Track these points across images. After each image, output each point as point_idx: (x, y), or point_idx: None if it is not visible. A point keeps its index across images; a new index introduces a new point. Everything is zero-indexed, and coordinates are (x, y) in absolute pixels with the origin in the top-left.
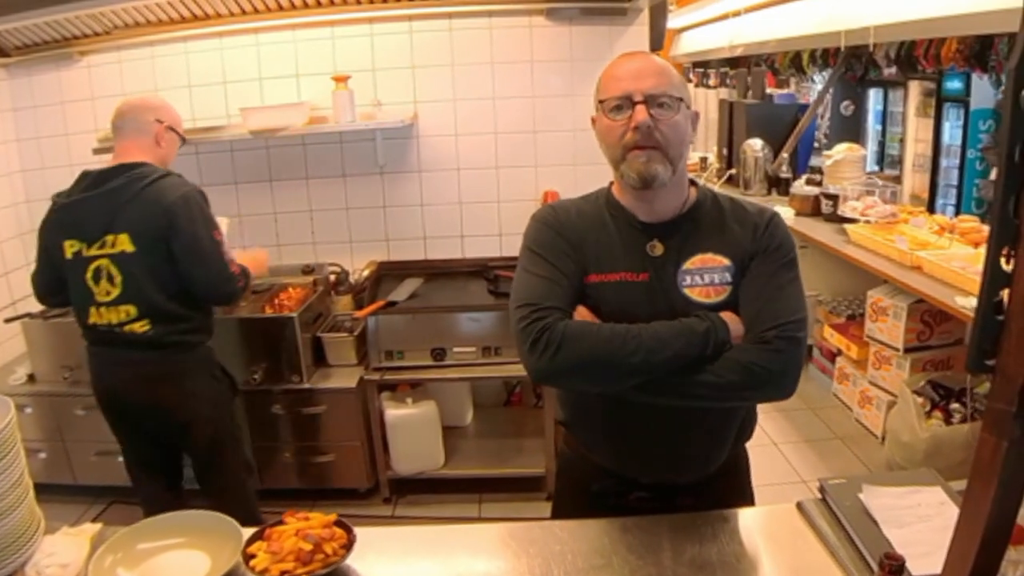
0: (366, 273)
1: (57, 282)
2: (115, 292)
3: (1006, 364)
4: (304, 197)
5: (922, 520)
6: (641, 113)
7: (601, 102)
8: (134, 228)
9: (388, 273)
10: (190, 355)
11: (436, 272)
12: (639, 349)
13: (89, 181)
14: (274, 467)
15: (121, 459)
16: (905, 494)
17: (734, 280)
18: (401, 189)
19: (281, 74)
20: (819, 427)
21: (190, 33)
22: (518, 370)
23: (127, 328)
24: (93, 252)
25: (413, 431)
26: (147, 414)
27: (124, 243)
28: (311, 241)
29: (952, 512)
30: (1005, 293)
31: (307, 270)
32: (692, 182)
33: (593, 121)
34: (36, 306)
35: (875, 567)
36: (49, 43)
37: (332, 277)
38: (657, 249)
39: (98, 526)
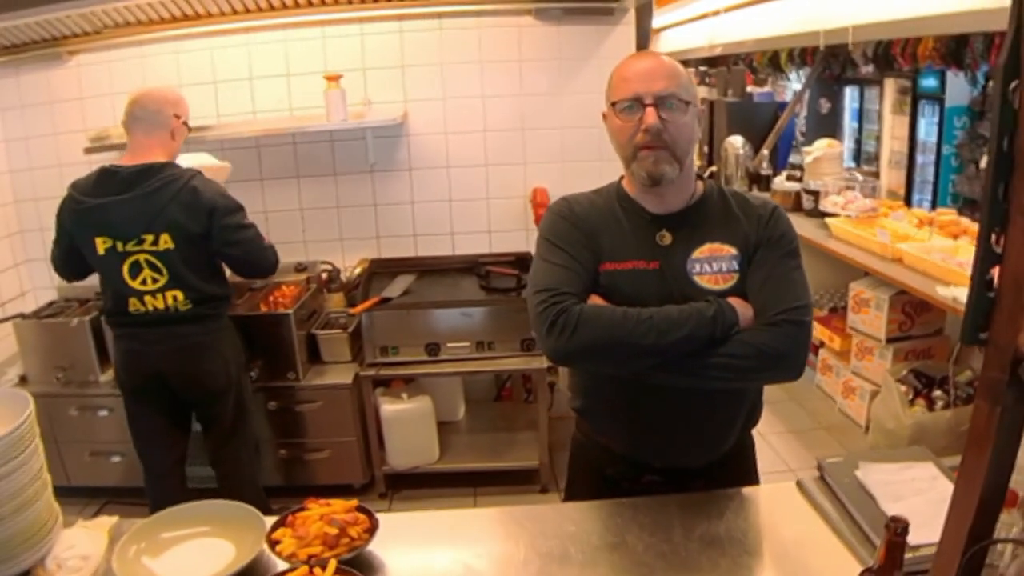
0: (358, 271)
1: (82, 264)
2: (162, 280)
3: (998, 336)
4: (295, 196)
5: (917, 493)
6: (651, 116)
7: (613, 103)
8: (176, 227)
9: (380, 270)
10: (222, 323)
11: (427, 269)
12: (651, 330)
13: (118, 182)
14: (270, 464)
15: (116, 459)
16: (900, 470)
17: (741, 268)
18: (391, 187)
19: (271, 74)
20: (803, 418)
21: (180, 33)
22: (511, 364)
23: (172, 308)
24: (130, 248)
25: (408, 426)
26: (186, 384)
27: (166, 241)
28: (302, 239)
29: (944, 485)
30: (995, 271)
31: (299, 268)
32: (699, 176)
33: (604, 117)
34: (28, 306)
35: (875, 539)
36: (38, 43)
37: (324, 275)
38: (666, 239)
39: (115, 519)
